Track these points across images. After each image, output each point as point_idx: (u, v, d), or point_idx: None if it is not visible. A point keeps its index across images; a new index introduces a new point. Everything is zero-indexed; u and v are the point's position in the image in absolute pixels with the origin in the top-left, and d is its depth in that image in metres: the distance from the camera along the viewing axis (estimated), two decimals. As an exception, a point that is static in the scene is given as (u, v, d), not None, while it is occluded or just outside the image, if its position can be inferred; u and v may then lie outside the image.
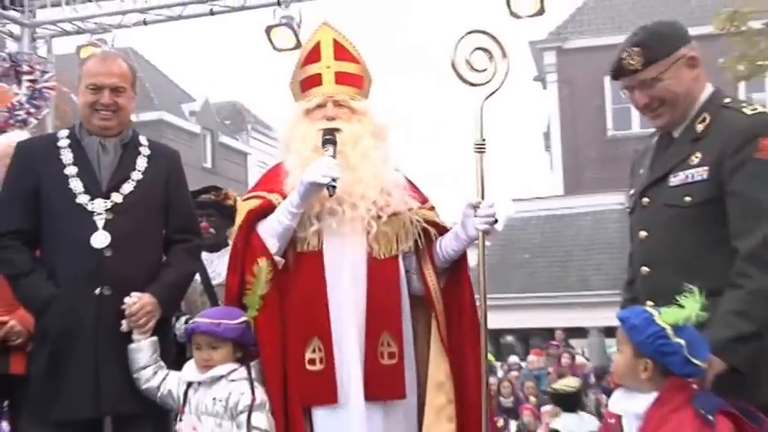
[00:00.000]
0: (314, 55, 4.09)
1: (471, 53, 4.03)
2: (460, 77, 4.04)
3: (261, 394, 3.73)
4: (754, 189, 3.15)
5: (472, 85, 4.05)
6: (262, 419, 3.69)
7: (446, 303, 4.03)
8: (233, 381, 3.78)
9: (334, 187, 3.71)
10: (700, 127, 3.34)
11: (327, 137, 3.86)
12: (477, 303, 3.97)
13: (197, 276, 5.36)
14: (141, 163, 4.10)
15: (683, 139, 3.39)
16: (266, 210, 3.90)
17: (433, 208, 4.13)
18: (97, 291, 3.91)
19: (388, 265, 3.94)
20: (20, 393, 4.59)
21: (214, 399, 3.75)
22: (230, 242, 4.49)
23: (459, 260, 4.08)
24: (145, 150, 4.16)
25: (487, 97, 4.03)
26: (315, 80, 4.06)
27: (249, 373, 3.76)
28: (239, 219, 3.98)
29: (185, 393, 3.84)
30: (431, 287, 4.01)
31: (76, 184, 3.98)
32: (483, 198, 3.95)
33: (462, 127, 4.50)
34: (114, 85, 4.06)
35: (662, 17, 3.88)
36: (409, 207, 4.01)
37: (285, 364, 3.84)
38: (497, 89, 4.03)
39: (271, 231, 3.86)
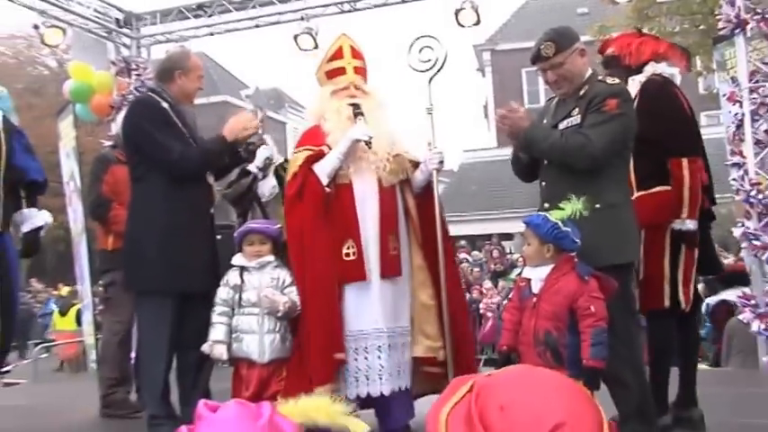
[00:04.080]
0: (338, 54, 4.06)
1: (420, 50, 4.11)
2: (413, 68, 4.13)
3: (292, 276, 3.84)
4: (597, 123, 3.28)
5: (422, 71, 4.13)
6: (294, 292, 3.78)
7: (421, 213, 4.04)
8: (276, 267, 3.85)
9: (369, 142, 3.78)
10: (581, 92, 3.41)
11: (358, 110, 3.89)
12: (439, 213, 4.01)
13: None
14: None
15: (571, 101, 3.44)
16: (319, 156, 3.85)
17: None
18: (212, 210, 4.08)
19: (391, 191, 3.95)
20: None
21: (270, 278, 3.82)
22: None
23: (428, 186, 4.08)
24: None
25: (431, 78, 4.12)
26: (340, 71, 4.03)
27: (285, 262, 3.86)
28: (298, 161, 3.87)
29: (241, 275, 3.86)
30: (409, 202, 4.05)
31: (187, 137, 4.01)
32: (435, 146, 4.03)
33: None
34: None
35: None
36: (405, 150, 4.06)
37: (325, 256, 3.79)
38: (438, 72, 4.12)
39: (323, 171, 3.82)
